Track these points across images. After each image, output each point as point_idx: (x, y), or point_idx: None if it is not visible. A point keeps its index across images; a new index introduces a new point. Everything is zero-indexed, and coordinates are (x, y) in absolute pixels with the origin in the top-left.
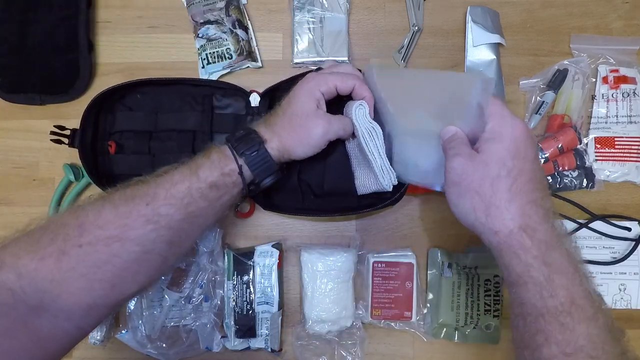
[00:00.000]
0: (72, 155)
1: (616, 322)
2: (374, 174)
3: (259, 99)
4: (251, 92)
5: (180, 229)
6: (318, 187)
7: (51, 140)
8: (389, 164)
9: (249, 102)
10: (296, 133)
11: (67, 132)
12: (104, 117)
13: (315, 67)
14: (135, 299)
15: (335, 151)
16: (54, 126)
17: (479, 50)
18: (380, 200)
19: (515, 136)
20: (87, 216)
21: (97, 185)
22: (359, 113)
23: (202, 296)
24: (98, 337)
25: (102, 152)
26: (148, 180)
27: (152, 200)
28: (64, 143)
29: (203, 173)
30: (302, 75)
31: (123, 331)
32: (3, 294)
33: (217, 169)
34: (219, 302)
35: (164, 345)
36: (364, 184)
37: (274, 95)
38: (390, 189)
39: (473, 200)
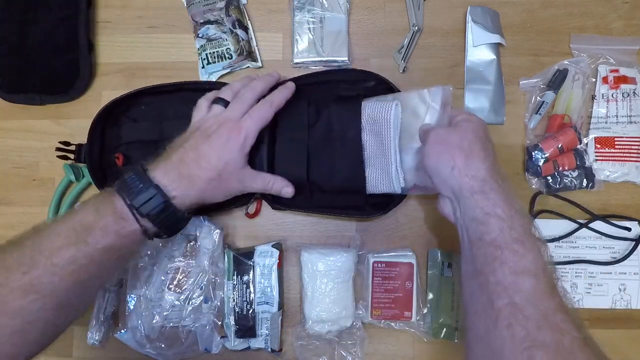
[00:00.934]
0: None
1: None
2: (387, 175)
3: None
4: None
5: (69, 296)
6: (327, 184)
7: (57, 157)
8: (401, 165)
9: None
10: (223, 188)
11: (73, 148)
12: (109, 131)
13: (315, 68)
14: (135, 298)
15: (345, 149)
16: (59, 142)
17: (479, 50)
18: (389, 200)
19: (481, 122)
20: None
21: None
22: (397, 112)
23: (202, 297)
24: (97, 338)
25: (110, 165)
26: (21, 243)
27: (29, 268)
28: (70, 159)
29: (93, 239)
30: (304, 77)
31: (122, 331)
32: None
33: (112, 232)
34: (218, 304)
35: (162, 345)
36: (375, 184)
37: None
38: (400, 191)
39: (454, 153)
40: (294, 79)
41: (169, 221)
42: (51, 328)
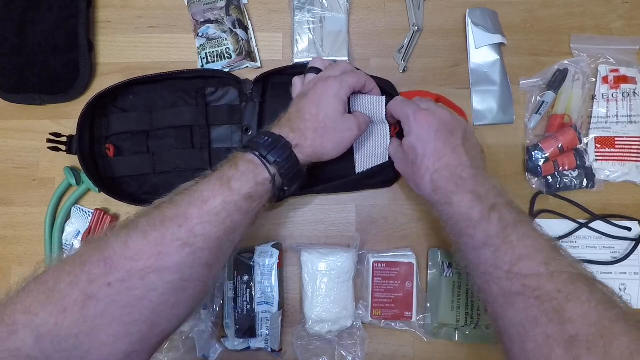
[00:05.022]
0: (73, 156)
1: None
2: (376, 150)
3: (252, 85)
4: (244, 80)
5: (217, 248)
6: (318, 170)
7: (48, 148)
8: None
9: (241, 91)
10: (331, 137)
11: (64, 139)
12: (99, 121)
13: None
14: None
15: None
16: (50, 134)
17: (482, 51)
18: (378, 177)
19: (419, 126)
20: (112, 249)
21: (101, 190)
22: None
23: (201, 303)
24: None
25: (101, 156)
26: (173, 199)
27: (185, 220)
28: (62, 150)
29: (236, 185)
30: (302, 66)
31: None
32: None
33: (251, 180)
34: (217, 310)
35: (160, 351)
36: (363, 163)
37: (267, 82)
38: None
39: (410, 182)
40: (273, 70)
41: (292, 171)
42: (202, 288)
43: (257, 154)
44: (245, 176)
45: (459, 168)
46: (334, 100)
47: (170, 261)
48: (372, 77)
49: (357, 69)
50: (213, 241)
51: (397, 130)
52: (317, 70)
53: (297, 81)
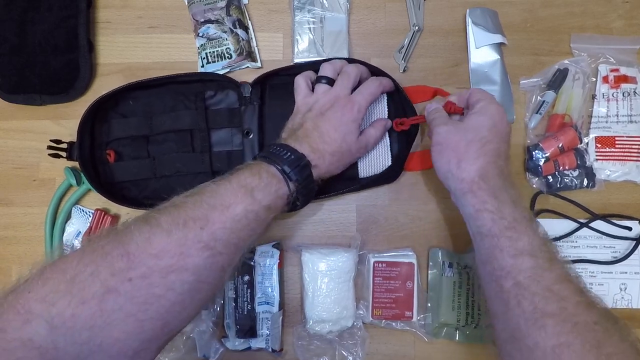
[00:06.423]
0: None
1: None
2: (377, 155)
3: (250, 89)
4: (242, 83)
5: (233, 254)
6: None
7: (49, 154)
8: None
9: (240, 94)
10: (345, 160)
11: (64, 146)
12: (99, 127)
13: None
14: None
15: None
16: (51, 140)
17: (482, 51)
18: (380, 178)
19: (495, 114)
20: (135, 243)
21: (102, 195)
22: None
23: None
24: None
25: (102, 162)
26: (194, 200)
27: (206, 223)
28: (63, 157)
29: (258, 195)
30: (300, 66)
31: None
32: (28, 356)
33: (273, 192)
34: (218, 310)
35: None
36: (366, 168)
37: (265, 83)
38: (391, 162)
39: (449, 155)
40: (272, 71)
41: (308, 188)
42: (213, 291)
43: (280, 169)
44: (268, 188)
45: (505, 170)
46: (353, 126)
47: (191, 262)
48: (376, 68)
49: (364, 62)
50: (231, 246)
51: (403, 130)
52: (328, 79)
53: (301, 83)
